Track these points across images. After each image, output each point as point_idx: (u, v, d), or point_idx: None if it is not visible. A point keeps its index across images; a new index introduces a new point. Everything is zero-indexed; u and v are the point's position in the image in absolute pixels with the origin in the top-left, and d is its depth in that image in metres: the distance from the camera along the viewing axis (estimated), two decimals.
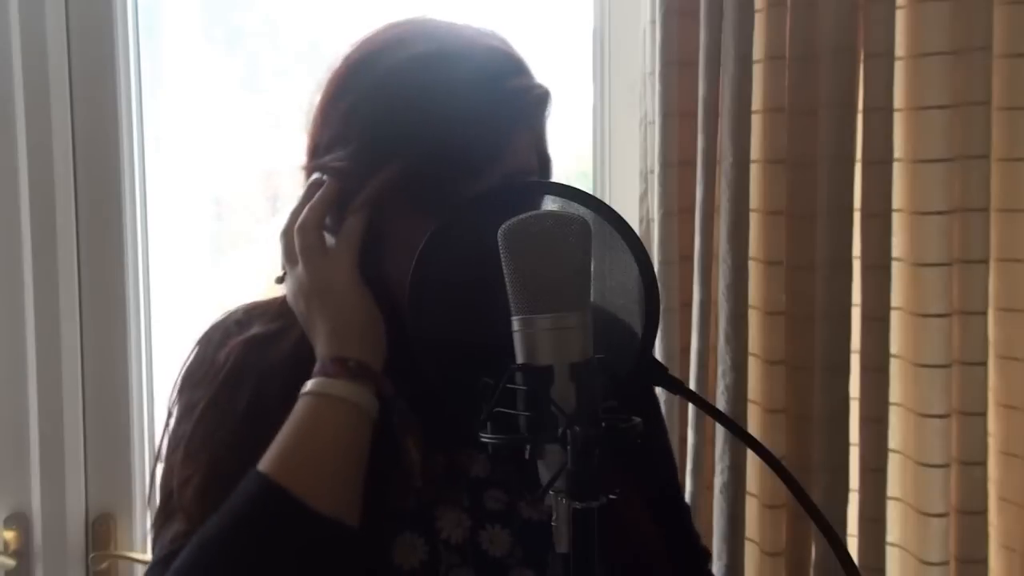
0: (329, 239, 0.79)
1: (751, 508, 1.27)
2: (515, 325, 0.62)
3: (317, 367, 0.75)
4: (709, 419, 1.23)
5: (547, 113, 0.82)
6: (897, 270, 1.20)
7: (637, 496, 0.76)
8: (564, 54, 1.56)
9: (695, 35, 1.24)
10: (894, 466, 1.22)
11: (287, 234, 0.81)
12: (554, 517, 0.59)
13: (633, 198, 1.38)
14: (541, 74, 0.81)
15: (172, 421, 0.83)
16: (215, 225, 1.75)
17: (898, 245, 1.20)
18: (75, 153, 1.49)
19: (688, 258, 1.28)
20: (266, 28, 1.71)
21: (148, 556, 1.51)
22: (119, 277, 1.50)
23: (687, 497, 1.25)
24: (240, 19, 1.72)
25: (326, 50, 1.60)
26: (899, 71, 1.18)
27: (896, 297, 1.20)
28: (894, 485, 1.22)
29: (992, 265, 1.19)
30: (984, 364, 1.19)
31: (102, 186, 1.49)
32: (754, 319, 1.25)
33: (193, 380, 0.83)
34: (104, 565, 1.51)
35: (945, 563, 1.20)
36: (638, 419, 0.60)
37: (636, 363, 0.65)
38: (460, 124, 0.74)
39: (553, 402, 0.59)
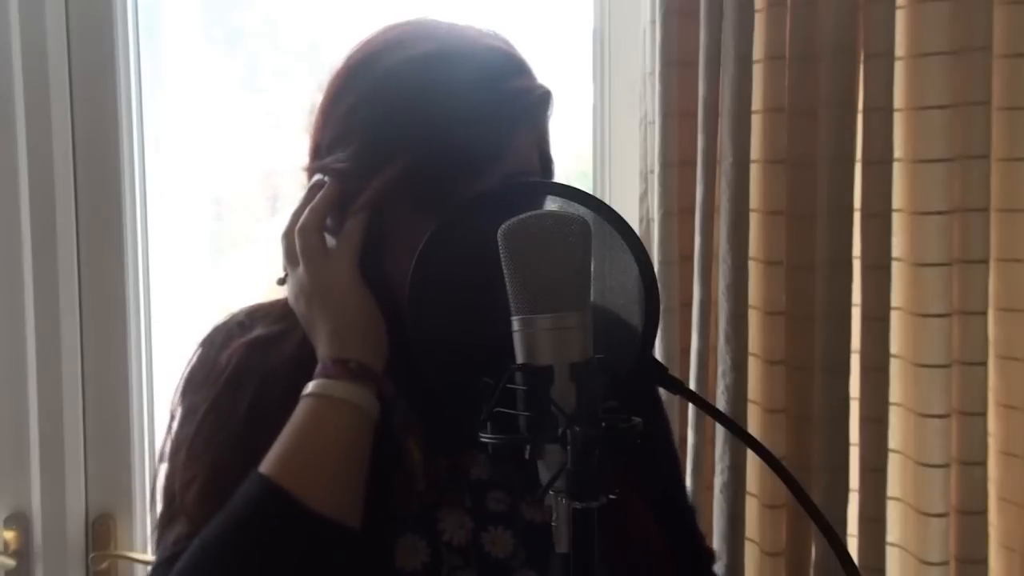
0: (330, 240, 0.79)
1: (751, 508, 1.27)
2: (515, 325, 0.62)
3: (318, 368, 0.75)
4: (709, 419, 1.23)
5: (549, 113, 0.82)
6: (897, 270, 1.20)
7: (640, 497, 0.76)
8: (564, 54, 1.56)
9: (695, 35, 1.24)
10: (894, 466, 1.22)
11: (288, 235, 0.81)
12: (554, 517, 0.59)
13: (633, 198, 1.38)
14: (541, 74, 0.81)
15: (175, 424, 0.83)
16: (215, 225, 1.75)
17: (898, 245, 1.20)
18: (75, 153, 1.49)
19: (688, 258, 1.28)
20: (266, 28, 1.71)
21: (148, 556, 1.51)
22: (119, 277, 1.50)
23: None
24: (240, 19, 1.72)
25: (326, 50, 1.62)
26: (899, 71, 1.18)
27: (896, 297, 1.20)
28: (894, 485, 1.22)
29: (992, 265, 1.19)
30: (984, 364, 1.19)
31: (102, 186, 1.49)
32: (754, 319, 1.25)
33: (195, 382, 0.83)
34: (104, 565, 1.51)
35: (945, 563, 1.20)
36: (638, 419, 0.60)
37: (636, 363, 0.65)
38: (461, 124, 0.74)
39: (553, 402, 0.59)
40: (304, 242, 0.79)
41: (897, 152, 1.19)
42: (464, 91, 0.75)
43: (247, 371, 0.80)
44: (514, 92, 0.77)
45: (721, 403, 1.24)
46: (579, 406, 0.59)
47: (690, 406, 1.27)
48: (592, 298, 0.64)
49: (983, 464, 1.20)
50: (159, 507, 0.81)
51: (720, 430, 1.27)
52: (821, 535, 0.90)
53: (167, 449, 0.82)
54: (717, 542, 1.25)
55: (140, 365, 1.52)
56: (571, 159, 1.56)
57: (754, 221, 1.24)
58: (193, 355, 0.86)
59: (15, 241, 1.46)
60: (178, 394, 0.84)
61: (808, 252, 1.21)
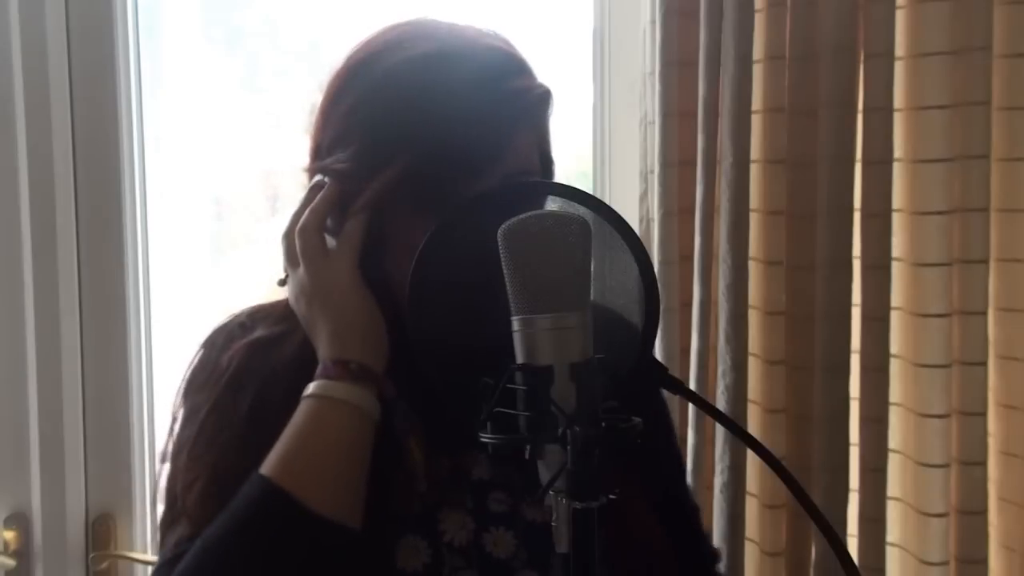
0: (331, 241, 0.79)
1: (751, 508, 1.27)
2: (515, 325, 0.62)
3: (319, 370, 0.75)
4: (709, 419, 1.23)
5: (549, 113, 0.82)
6: (897, 270, 1.20)
7: (643, 498, 0.76)
8: (564, 54, 1.56)
9: (695, 35, 1.24)
10: (894, 466, 1.22)
11: (288, 236, 0.81)
12: (554, 517, 0.59)
13: (633, 198, 1.38)
14: (541, 74, 0.81)
15: (176, 425, 0.83)
16: (215, 225, 1.75)
17: (898, 245, 1.20)
18: (75, 153, 1.49)
19: (688, 258, 1.28)
20: (266, 28, 1.71)
21: (148, 556, 1.51)
22: (119, 277, 1.50)
23: None
24: (240, 19, 1.73)
25: (326, 50, 1.62)
26: (899, 71, 1.18)
27: (896, 297, 1.20)
28: (894, 485, 1.22)
29: (992, 265, 1.19)
30: (984, 364, 1.19)
31: (102, 186, 1.49)
32: (754, 319, 1.25)
33: (197, 384, 0.83)
34: (104, 565, 1.51)
35: (945, 563, 1.20)
36: (638, 419, 0.60)
37: (636, 363, 0.65)
38: (461, 124, 0.74)
39: (553, 402, 0.59)
40: (304, 243, 0.79)
41: (897, 152, 1.19)
42: (464, 91, 0.75)
43: (248, 372, 0.80)
44: (514, 92, 0.77)
45: (721, 403, 1.24)
46: (579, 406, 0.59)
47: (690, 406, 1.27)
48: (592, 298, 0.64)
49: (983, 464, 1.20)
50: (161, 508, 0.81)
51: (720, 430, 1.27)
52: (821, 535, 0.90)
53: (169, 450, 0.82)
54: (717, 542, 1.25)
55: (140, 365, 1.52)
56: (571, 159, 1.56)
57: (754, 221, 1.24)
58: (194, 356, 0.86)
59: (15, 241, 1.46)
60: (179, 395, 0.84)
61: (808, 252, 1.21)
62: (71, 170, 1.48)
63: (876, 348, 1.19)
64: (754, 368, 1.26)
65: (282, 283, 0.83)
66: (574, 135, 1.53)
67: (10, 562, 1.47)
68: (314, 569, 0.70)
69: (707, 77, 1.23)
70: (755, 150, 1.23)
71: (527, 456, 0.60)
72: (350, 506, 0.72)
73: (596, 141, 1.52)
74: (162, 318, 1.56)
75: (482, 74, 0.76)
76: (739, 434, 0.66)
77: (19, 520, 1.49)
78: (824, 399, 1.20)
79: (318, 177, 0.81)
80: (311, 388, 0.75)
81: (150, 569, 1.54)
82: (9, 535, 1.48)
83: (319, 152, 0.82)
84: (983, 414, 1.19)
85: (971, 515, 1.20)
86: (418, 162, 0.74)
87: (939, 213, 1.17)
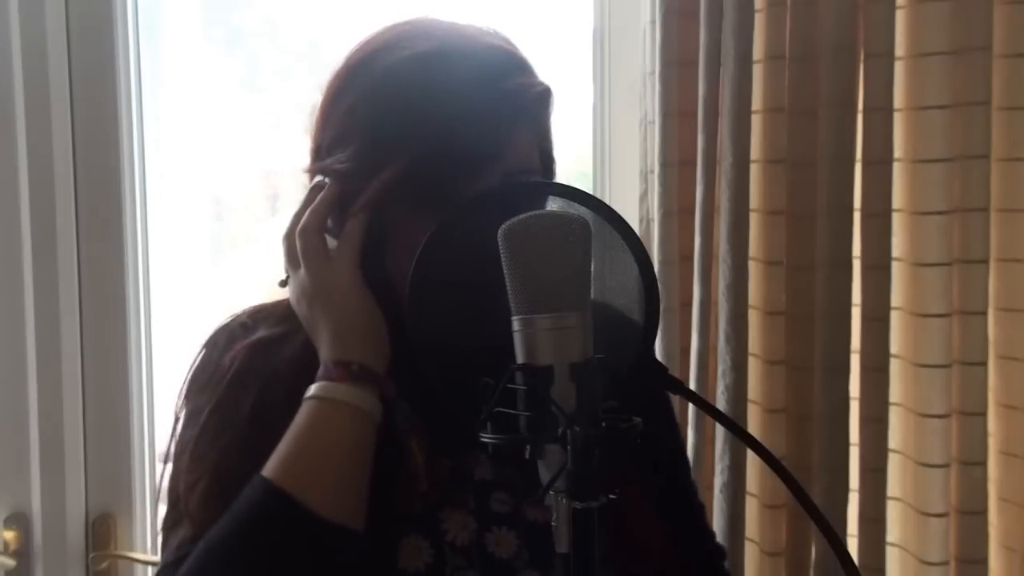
0: (331, 242, 0.79)
1: (751, 508, 1.27)
2: (515, 325, 0.62)
3: (320, 371, 0.75)
4: (709, 419, 1.23)
5: (550, 111, 0.81)
6: (897, 270, 1.20)
7: (647, 497, 0.76)
8: (564, 54, 1.56)
9: (695, 35, 1.24)
10: (894, 466, 1.22)
11: (289, 237, 0.81)
12: (554, 517, 0.59)
13: (633, 198, 1.38)
14: (541, 74, 0.81)
15: (178, 426, 0.83)
16: (215, 225, 1.75)
17: (898, 245, 1.20)
18: (75, 153, 1.49)
19: (688, 258, 1.28)
20: (266, 28, 1.71)
21: (148, 556, 1.51)
22: (119, 277, 1.50)
23: None
24: (240, 19, 1.73)
25: (326, 50, 1.62)
26: (899, 71, 1.18)
27: (896, 297, 1.20)
28: (894, 485, 1.22)
29: (992, 265, 1.19)
30: (984, 364, 1.19)
31: (102, 186, 1.49)
32: (754, 319, 1.25)
33: (198, 384, 0.83)
34: (104, 565, 1.51)
35: (945, 563, 1.20)
36: (638, 419, 0.60)
37: (636, 363, 0.65)
38: (461, 123, 0.74)
39: (553, 402, 0.59)
40: (305, 244, 0.79)
41: (897, 152, 1.19)
42: (464, 90, 0.75)
43: (250, 373, 0.80)
44: (514, 90, 0.77)
45: (721, 403, 1.24)
46: (579, 406, 0.59)
47: (690, 406, 1.27)
48: (592, 298, 0.64)
49: (983, 464, 1.20)
50: (163, 509, 0.81)
51: (720, 430, 1.27)
52: (821, 535, 0.90)
53: (171, 451, 0.82)
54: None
55: (140, 365, 1.52)
56: (571, 159, 1.56)
57: (754, 221, 1.24)
58: (196, 357, 0.86)
59: (15, 241, 1.46)
60: (181, 396, 0.84)
61: (808, 252, 1.21)
62: (71, 170, 1.48)
63: (876, 348, 1.19)
64: (754, 368, 1.26)
65: (283, 284, 0.83)
66: (574, 135, 1.53)
67: (10, 562, 1.47)
68: (317, 571, 0.70)
69: (707, 77, 1.23)
70: (755, 150, 1.23)
71: (527, 456, 0.60)
72: (352, 508, 0.72)
73: (596, 141, 1.52)
74: (162, 318, 1.56)
75: (482, 72, 0.76)
76: (739, 434, 0.66)
77: (19, 520, 1.49)
78: (824, 399, 1.20)
79: (318, 178, 0.81)
80: (313, 390, 0.74)
81: (150, 569, 1.54)
82: (9, 535, 1.48)
83: (319, 152, 0.82)
84: (983, 414, 1.19)
85: (971, 515, 1.20)
86: (418, 161, 0.74)
87: (939, 213, 1.17)
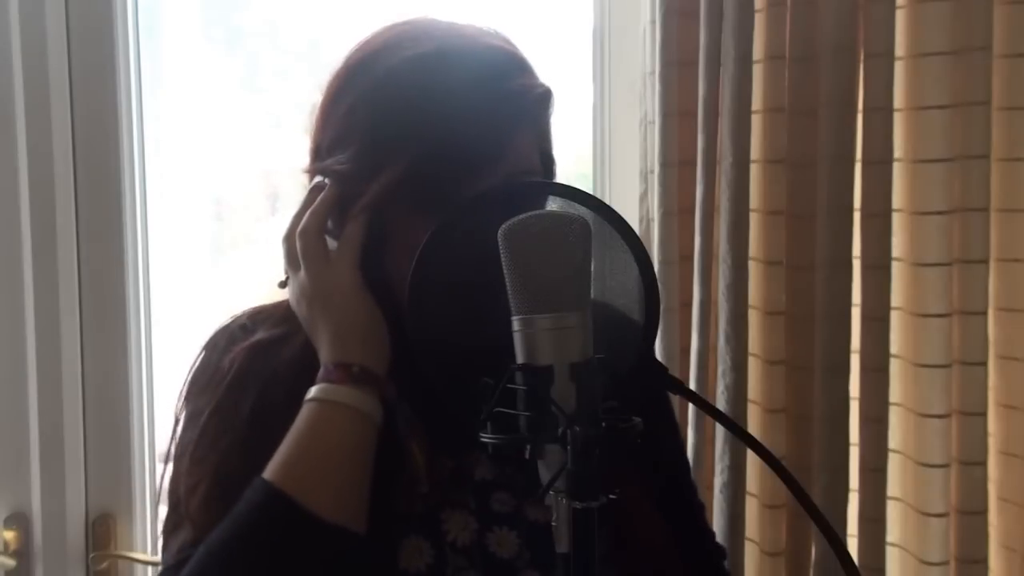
0: (331, 243, 0.79)
1: (751, 508, 1.27)
2: (515, 325, 0.62)
3: (321, 373, 0.75)
4: (709, 419, 1.23)
5: (550, 112, 0.81)
6: (897, 270, 1.20)
7: (648, 497, 0.76)
8: (564, 54, 1.56)
9: (695, 35, 1.24)
10: (894, 466, 1.22)
11: (289, 239, 0.80)
12: (554, 517, 0.59)
13: (633, 198, 1.38)
14: (542, 74, 0.81)
15: (178, 428, 0.83)
16: (215, 225, 1.75)
17: (898, 245, 1.20)
18: (75, 153, 1.49)
19: (688, 258, 1.28)
20: (266, 28, 1.71)
21: (148, 556, 1.51)
22: (119, 277, 1.50)
23: None
24: (240, 19, 1.73)
25: (326, 50, 1.62)
26: (899, 71, 1.18)
27: (896, 297, 1.20)
28: (894, 485, 1.22)
29: (992, 265, 1.19)
30: (984, 364, 1.19)
31: (102, 186, 1.49)
32: (754, 319, 1.25)
33: (198, 386, 0.83)
34: (104, 565, 1.51)
35: (945, 563, 1.20)
36: (638, 419, 0.60)
37: (636, 363, 0.65)
38: (461, 123, 0.74)
39: (553, 402, 0.59)
40: (305, 245, 0.79)
41: (897, 152, 1.19)
42: (464, 90, 0.75)
43: (250, 375, 0.80)
44: (514, 91, 0.77)
45: (721, 403, 1.24)
46: (579, 406, 0.59)
47: (690, 406, 1.27)
48: (592, 298, 0.64)
49: (983, 464, 1.20)
50: (164, 510, 0.81)
51: (720, 430, 1.27)
52: (821, 535, 0.90)
53: (172, 454, 0.82)
54: None
55: (140, 365, 1.52)
56: (571, 159, 1.56)
57: (754, 221, 1.24)
58: (196, 359, 0.85)
59: (15, 241, 1.46)
60: (181, 398, 0.84)
61: (808, 252, 1.21)
62: (71, 170, 1.48)
63: (876, 348, 1.19)
64: (754, 368, 1.26)
65: (282, 285, 0.82)
66: (574, 135, 1.53)
67: (10, 562, 1.47)
68: (318, 573, 0.70)
69: (707, 77, 1.23)
70: (755, 150, 1.23)
71: (527, 456, 0.60)
72: (354, 510, 0.72)
73: (596, 141, 1.52)
74: (162, 318, 1.56)
75: (482, 73, 0.76)
76: (739, 434, 0.66)
77: (19, 520, 1.49)
78: (824, 399, 1.20)
79: (318, 178, 0.81)
80: (313, 392, 0.74)
81: (150, 569, 1.54)
82: (9, 535, 1.48)
83: (319, 153, 0.81)
84: (983, 414, 1.19)
85: (971, 515, 1.20)
86: (419, 162, 0.74)
87: (939, 213, 1.17)
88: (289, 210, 0.82)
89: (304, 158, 0.84)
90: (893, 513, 1.23)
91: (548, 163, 0.84)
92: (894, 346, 1.20)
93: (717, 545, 0.95)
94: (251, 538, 0.70)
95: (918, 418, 1.20)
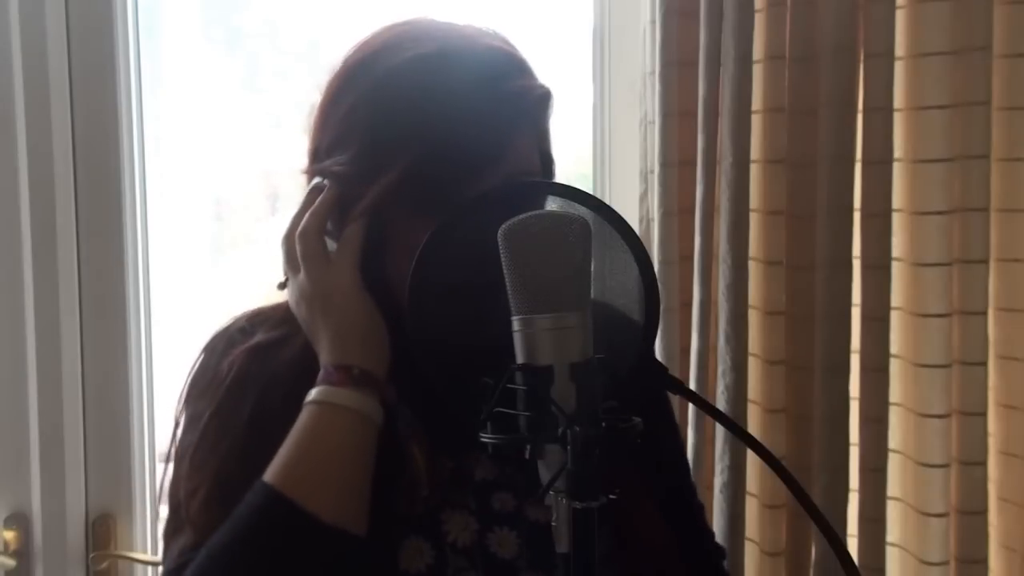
0: (331, 244, 0.79)
1: (751, 508, 1.27)
2: (515, 325, 0.62)
3: (321, 375, 0.75)
4: (709, 419, 1.23)
5: (549, 113, 0.81)
6: (897, 270, 1.20)
7: (649, 498, 0.76)
8: (564, 54, 1.56)
9: (695, 35, 1.24)
10: (894, 466, 1.22)
11: (288, 240, 0.80)
12: (554, 517, 0.59)
13: (633, 198, 1.38)
14: (541, 74, 0.81)
15: (178, 431, 0.83)
16: (215, 225, 1.75)
17: (898, 245, 1.20)
18: (75, 153, 1.49)
19: (688, 258, 1.28)
20: (266, 28, 1.71)
21: (148, 556, 1.51)
22: (119, 277, 1.50)
23: None
24: (240, 19, 1.73)
25: (326, 50, 1.62)
26: (899, 71, 1.18)
27: (896, 297, 1.20)
28: (894, 485, 1.22)
29: (992, 265, 1.19)
30: (984, 364, 1.19)
31: (102, 186, 1.49)
32: (754, 319, 1.25)
33: (198, 390, 0.83)
34: (104, 565, 1.51)
35: (945, 563, 1.20)
36: (638, 419, 0.60)
37: (636, 363, 0.65)
38: (461, 124, 0.74)
39: (553, 402, 0.59)
40: (305, 247, 0.78)
41: (897, 152, 1.19)
42: (464, 91, 0.75)
43: (249, 378, 0.80)
44: (514, 92, 0.77)
45: (721, 403, 1.24)
46: (579, 406, 0.59)
47: (690, 406, 1.27)
48: (592, 297, 0.64)
49: (983, 464, 1.20)
50: (164, 512, 0.81)
51: (720, 430, 1.27)
52: (821, 535, 0.90)
53: (172, 457, 0.82)
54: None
55: (140, 365, 1.52)
56: (571, 159, 1.56)
57: (754, 221, 1.24)
58: (195, 362, 0.85)
59: (15, 241, 1.46)
60: (181, 401, 0.84)
61: (808, 252, 1.21)
62: (71, 170, 1.48)
63: (876, 348, 1.19)
64: (754, 368, 1.26)
65: (282, 287, 0.82)
66: (574, 135, 1.53)
67: (10, 562, 1.47)
68: (319, 575, 0.70)
69: (707, 77, 1.23)
70: (755, 150, 1.23)
71: (527, 456, 0.60)
72: (354, 512, 0.72)
73: (596, 141, 1.52)
74: (162, 318, 1.56)
75: (482, 74, 0.76)
76: (739, 434, 0.66)
77: (19, 520, 1.48)
78: (824, 399, 1.20)
79: (317, 179, 0.81)
80: (313, 394, 0.74)
81: (150, 569, 1.54)
82: (9, 535, 1.48)
83: (318, 154, 0.81)
84: (983, 414, 1.19)
85: (971, 515, 1.20)
86: (418, 163, 0.74)
87: (939, 213, 1.17)
88: (289, 210, 0.82)
89: (304, 159, 0.84)
90: (893, 513, 1.23)
91: (548, 163, 0.84)
92: (894, 346, 1.20)
93: (717, 545, 0.95)
94: (252, 541, 0.70)
95: (918, 418, 1.20)
